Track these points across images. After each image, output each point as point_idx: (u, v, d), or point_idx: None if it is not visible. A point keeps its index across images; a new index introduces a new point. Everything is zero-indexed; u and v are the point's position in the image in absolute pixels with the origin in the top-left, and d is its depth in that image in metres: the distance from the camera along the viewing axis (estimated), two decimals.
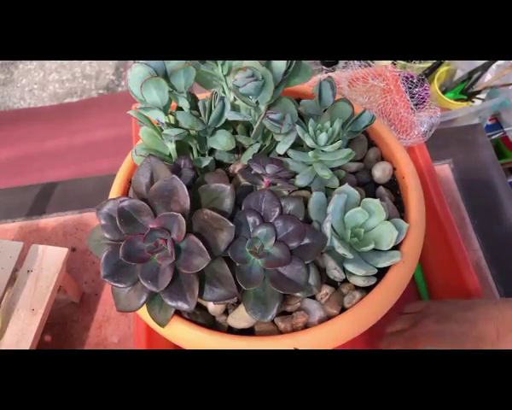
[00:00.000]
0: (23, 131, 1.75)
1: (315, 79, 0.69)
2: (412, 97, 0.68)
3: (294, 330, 0.40)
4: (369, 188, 0.48)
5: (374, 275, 0.41)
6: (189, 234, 0.38)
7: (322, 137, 0.43)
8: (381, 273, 0.41)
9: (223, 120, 0.45)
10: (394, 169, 0.49)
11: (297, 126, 0.43)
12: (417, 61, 1.12)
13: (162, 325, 0.39)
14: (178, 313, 0.40)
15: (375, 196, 0.46)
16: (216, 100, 0.44)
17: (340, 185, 0.45)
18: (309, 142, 0.43)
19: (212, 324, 0.41)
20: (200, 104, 0.44)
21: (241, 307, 0.40)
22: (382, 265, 0.41)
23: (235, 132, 0.49)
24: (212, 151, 0.49)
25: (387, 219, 0.43)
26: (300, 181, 0.45)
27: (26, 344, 0.57)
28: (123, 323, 0.68)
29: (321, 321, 0.40)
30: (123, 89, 1.91)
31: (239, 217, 0.40)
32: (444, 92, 1.14)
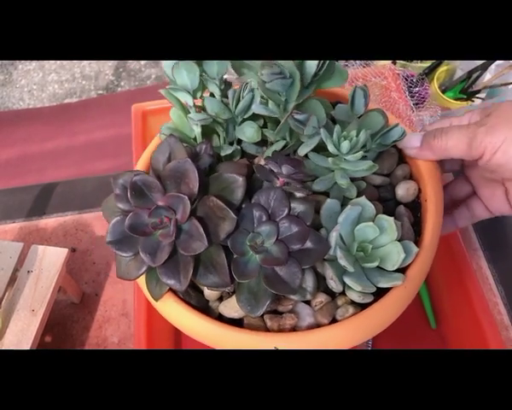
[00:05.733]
0: (23, 132, 1.75)
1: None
2: (412, 97, 0.67)
3: (280, 330, 0.40)
4: (389, 205, 0.47)
5: (372, 293, 0.40)
6: (192, 217, 0.39)
7: (345, 145, 0.42)
8: (382, 293, 0.40)
9: (250, 112, 0.45)
10: (420, 191, 0.47)
11: (322, 130, 0.43)
12: (417, 61, 1.13)
13: (155, 298, 0.41)
14: (175, 290, 0.42)
15: (394, 215, 0.45)
16: (245, 91, 0.44)
17: (359, 197, 0.44)
18: (331, 148, 0.43)
19: (204, 307, 0.42)
20: (230, 93, 0.45)
21: (234, 298, 0.41)
22: (383, 285, 0.40)
23: (265, 125, 0.49)
24: (240, 141, 0.50)
25: (399, 240, 0.42)
26: (318, 185, 0.44)
27: (26, 345, 0.57)
28: (123, 323, 0.68)
29: (309, 327, 0.40)
30: (122, 89, 1.90)
31: (245, 210, 0.41)
32: (443, 92, 1.13)
